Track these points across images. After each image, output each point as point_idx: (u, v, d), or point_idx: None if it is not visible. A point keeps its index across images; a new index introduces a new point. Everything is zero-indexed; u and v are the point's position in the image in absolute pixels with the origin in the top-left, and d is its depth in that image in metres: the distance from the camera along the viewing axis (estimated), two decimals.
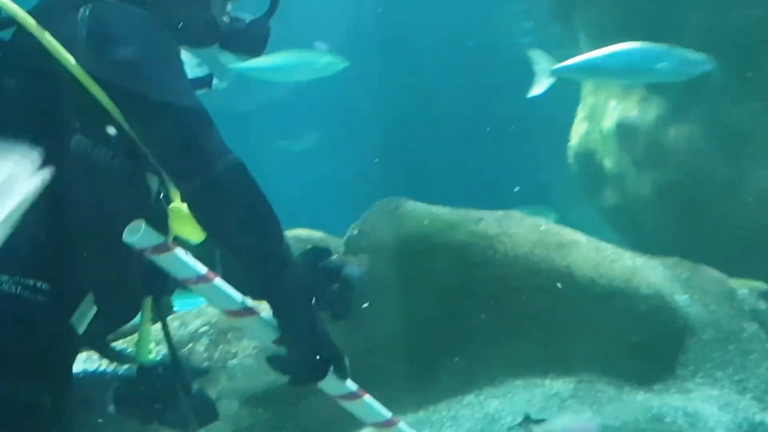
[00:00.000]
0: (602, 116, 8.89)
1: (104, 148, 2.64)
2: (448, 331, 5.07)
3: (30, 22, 2.62)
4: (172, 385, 2.94)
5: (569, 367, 4.97)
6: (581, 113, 9.24)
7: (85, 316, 2.71)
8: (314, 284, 2.87)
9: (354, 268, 3.04)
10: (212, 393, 4.97)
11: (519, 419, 4.73)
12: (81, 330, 2.71)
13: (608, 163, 8.65)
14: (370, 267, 5.13)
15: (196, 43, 3.10)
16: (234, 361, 5.12)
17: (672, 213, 8.01)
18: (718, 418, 4.75)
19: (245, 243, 2.70)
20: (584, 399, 4.83)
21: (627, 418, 4.67)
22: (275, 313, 2.74)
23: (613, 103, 9.02)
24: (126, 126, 2.63)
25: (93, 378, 4.40)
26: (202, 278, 2.72)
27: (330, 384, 2.88)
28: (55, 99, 2.64)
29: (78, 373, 3.32)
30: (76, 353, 2.90)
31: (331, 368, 2.82)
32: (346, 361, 2.89)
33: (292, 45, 9.40)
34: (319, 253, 3.04)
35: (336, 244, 5.47)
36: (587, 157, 8.94)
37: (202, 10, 3.00)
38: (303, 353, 2.74)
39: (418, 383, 5.01)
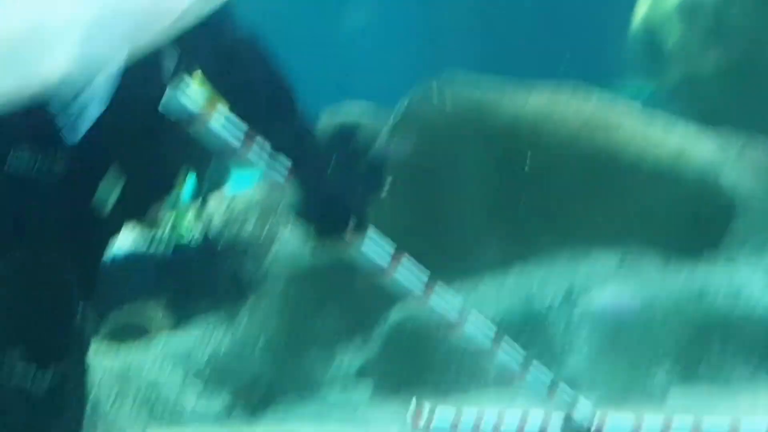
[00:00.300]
0: None
1: None
2: (495, 206, 5.12)
3: None
4: (205, 264, 3.02)
5: (615, 242, 5.01)
6: None
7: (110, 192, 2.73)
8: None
9: (387, 149, 3.12)
10: (259, 271, 5.21)
11: (562, 292, 4.83)
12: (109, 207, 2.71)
13: (672, 39, 8.58)
14: (415, 145, 5.23)
15: None
16: (282, 235, 5.26)
17: (735, 90, 7.96)
18: (763, 290, 4.79)
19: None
20: (629, 272, 4.91)
21: (668, 293, 4.75)
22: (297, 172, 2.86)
23: None
24: None
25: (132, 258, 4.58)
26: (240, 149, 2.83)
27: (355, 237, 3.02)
28: None
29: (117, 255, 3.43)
30: (109, 232, 2.94)
31: (353, 221, 2.96)
32: (368, 215, 3.07)
33: None
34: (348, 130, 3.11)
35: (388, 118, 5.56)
36: (650, 31, 8.86)
37: None
38: (323, 205, 2.87)
39: (464, 255, 5.08)
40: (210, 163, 3.05)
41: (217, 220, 5.33)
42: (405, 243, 5.01)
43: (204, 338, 4.92)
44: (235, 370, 4.88)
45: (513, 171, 5.15)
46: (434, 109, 5.30)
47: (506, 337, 3.67)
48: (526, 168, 5.14)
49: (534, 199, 5.13)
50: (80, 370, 2.73)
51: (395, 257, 3.29)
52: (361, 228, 3.04)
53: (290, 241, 5.16)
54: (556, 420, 3.70)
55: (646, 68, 9.14)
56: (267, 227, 5.37)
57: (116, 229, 2.91)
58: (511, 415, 3.85)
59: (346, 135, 3.06)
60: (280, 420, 4.69)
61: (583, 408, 3.64)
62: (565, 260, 5.01)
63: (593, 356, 4.61)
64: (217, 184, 5.37)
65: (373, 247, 3.18)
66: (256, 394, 4.85)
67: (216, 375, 4.81)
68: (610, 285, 4.85)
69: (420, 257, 5.00)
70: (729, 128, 5.78)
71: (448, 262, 5.01)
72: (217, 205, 5.62)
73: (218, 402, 4.72)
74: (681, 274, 4.86)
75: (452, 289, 4.87)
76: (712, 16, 8.35)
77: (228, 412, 4.71)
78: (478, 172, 5.17)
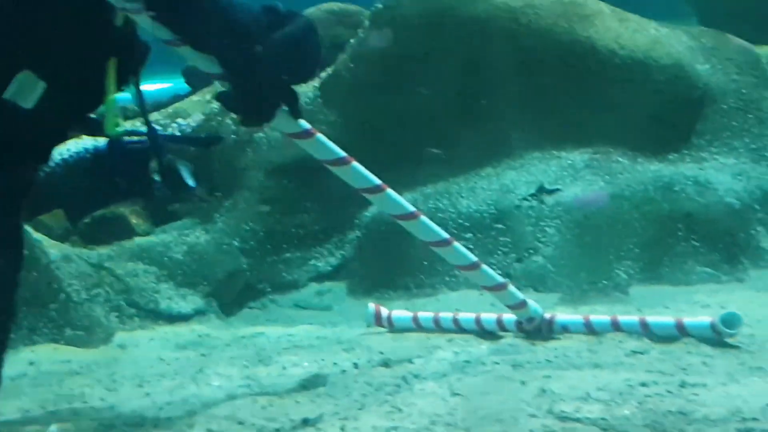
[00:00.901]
0: None
1: None
2: (469, 104, 5.14)
3: None
4: (141, 157, 2.97)
5: (586, 139, 5.05)
6: None
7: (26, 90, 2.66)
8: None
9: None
10: (239, 164, 5.24)
11: (533, 190, 4.87)
12: (28, 105, 2.64)
13: None
14: (389, 38, 5.24)
15: None
16: (260, 134, 5.27)
17: None
18: (729, 185, 4.85)
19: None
20: (598, 169, 4.93)
21: (637, 188, 4.79)
22: (214, 51, 2.78)
23: None
24: None
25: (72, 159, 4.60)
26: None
27: (284, 123, 3.01)
28: None
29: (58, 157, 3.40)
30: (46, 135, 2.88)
31: (284, 108, 2.91)
32: (299, 102, 2.96)
33: None
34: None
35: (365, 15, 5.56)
36: None
37: None
38: (246, 91, 2.79)
39: (437, 157, 5.13)
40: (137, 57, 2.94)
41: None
42: (377, 139, 5.14)
43: (179, 237, 4.97)
44: (211, 267, 4.87)
45: (487, 65, 5.14)
46: (409, 5, 5.28)
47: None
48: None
49: (507, 94, 5.12)
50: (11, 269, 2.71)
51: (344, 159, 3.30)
52: (294, 115, 3.00)
53: (263, 141, 5.24)
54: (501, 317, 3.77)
55: None
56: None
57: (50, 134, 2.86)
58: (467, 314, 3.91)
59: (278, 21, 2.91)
60: (255, 319, 4.75)
61: (533, 307, 3.69)
62: (536, 158, 5.04)
63: (559, 251, 4.65)
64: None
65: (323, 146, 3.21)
66: (231, 293, 4.87)
67: (191, 271, 4.81)
68: (579, 181, 4.89)
69: (391, 153, 5.14)
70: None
71: (423, 165, 5.14)
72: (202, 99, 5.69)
73: (192, 301, 4.70)
74: (648, 171, 4.90)
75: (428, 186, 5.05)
76: None
77: (203, 311, 4.70)
78: (452, 67, 5.17)
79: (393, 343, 3.74)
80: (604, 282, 4.53)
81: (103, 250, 4.84)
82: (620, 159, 4.99)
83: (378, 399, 2.86)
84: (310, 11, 5.97)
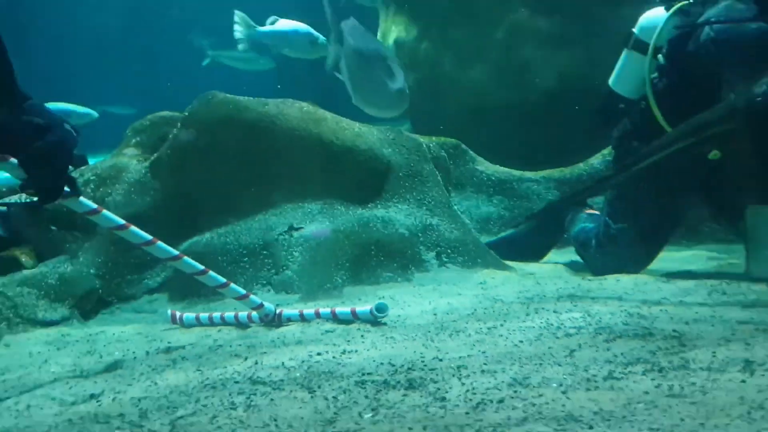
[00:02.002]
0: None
1: None
2: (245, 177, 5.10)
3: None
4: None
5: (319, 196, 5.06)
6: None
7: None
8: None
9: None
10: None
11: (286, 228, 4.86)
12: None
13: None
14: (195, 135, 5.13)
15: None
16: (109, 198, 5.11)
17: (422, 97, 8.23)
18: (403, 221, 4.94)
19: None
20: (326, 214, 4.96)
21: (348, 224, 4.85)
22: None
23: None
24: None
25: None
26: None
27: (74, 204, 2.87)
28: None
29: None
30: None
31: (67, 190, 2.74)
32: (78, 184, 2.81)
33: None
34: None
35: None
36: None
37: None
38: (35, 180, 2.60)
39: (227, 209, 5.06)
40: None
41: None
42: (187, 201, 5.03)
43: (54, 268, 4.74)
44: (74, 287, 4.63)
45: (256, 151, 5.10)
46: (204, 113, 5.19)
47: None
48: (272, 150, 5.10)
49: (270, 169, 5.10)
50: None
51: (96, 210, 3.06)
52: (73, 194, 2.83)
53: (109, 203, 5.05)
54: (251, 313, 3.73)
55: None
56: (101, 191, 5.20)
57: None
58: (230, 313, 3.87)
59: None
60: (104, 322, 4.53)
61: (268, 305, 3.67)
62: (289, 208, 5.03)
63: (301, 267, 4.65)
64: None
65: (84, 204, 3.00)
66: (88, 304, 4.66)
67: (60, 292, 4.56)
68: (315, 222, 4.90)
69: (196, 210, 5.03)
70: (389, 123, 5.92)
71: (214, 215, 5.04)
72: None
73: (61, 311, 4.47)
74: (355, 214, 4.95)
75: (221, 228, 4.96)
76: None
77: (68, 318, 4.46)
78: (234, 153, 5.12)
79: (179, 335, 3.65)
80: (328, 285, 4.53)
81: (2, 279, 4.55)
82: (339, 207, 5.04)
83: (148, 377, 2.78)
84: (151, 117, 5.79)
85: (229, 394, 2.30)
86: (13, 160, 2.62)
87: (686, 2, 4.33)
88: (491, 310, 3.54)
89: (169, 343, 3.46)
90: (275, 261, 4.73)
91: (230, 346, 3.22)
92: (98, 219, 3.07)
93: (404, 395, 2.18)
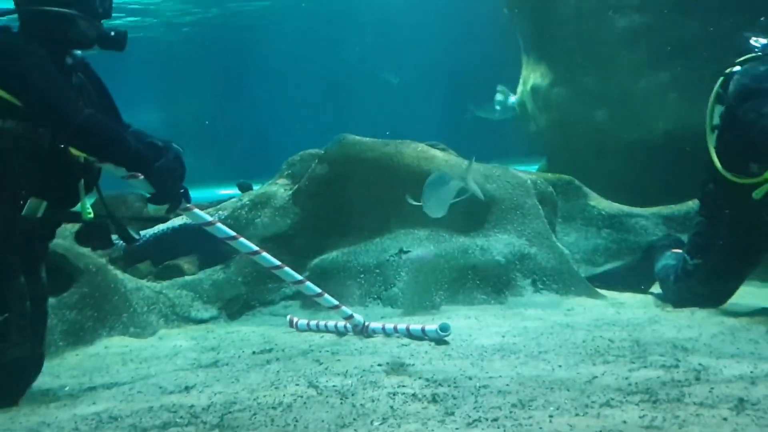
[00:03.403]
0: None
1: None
2: (368, 205, 5.26)
3: None
4: (103, 231, 2.92)
5: (427, 224, 5.06)
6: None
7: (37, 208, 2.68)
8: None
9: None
10: (245, 232, 5.27)
11: (396, 251, 4.97)
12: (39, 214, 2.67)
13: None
14: (328, 169, 5.36)
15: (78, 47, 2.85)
16: (258, 220, 5.43)
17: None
18: (501, 249, 4.90)
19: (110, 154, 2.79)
20: (432, 240, 5.02)
21: (449, 250, 4.89)
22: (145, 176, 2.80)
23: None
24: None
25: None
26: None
27: (191, 214, 3.11)
28: None
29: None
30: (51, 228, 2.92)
31: (183, 200, 2.98)
32: (189, 196, 3.02)
33: None
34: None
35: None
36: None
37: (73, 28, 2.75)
38: (161, 192, 2.84)
39: (352, 232, 5.22)
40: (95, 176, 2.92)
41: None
42: (321, 222, 5.26)
43: (209, 275, 5.09)
44: (223, 292, 4.94)
45: (377, 183, 5.23)
46: (336, 151, 5.39)
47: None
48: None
49: (387, 198, 5.18)
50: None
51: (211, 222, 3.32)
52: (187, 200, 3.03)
53: (258, 224, 5.38)
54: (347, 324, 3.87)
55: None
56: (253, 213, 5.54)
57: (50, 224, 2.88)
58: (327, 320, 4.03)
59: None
60: (245, 322, 4.78)
61: (357, 317, 3.78)
62: (402, 233, 5.12)
63: (406, 285, 4.74)
64: None
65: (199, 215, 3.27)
66: (235, 306, 4.94)
67: (212, 295, 4.90)
68: (421, 246, 4.97)
69: (329, 229, 5.26)
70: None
71: (339, 237, 5.23)
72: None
73: (211, 311, 4.81)
74: (457, 241, 4.97)
75: (344, 248, 5.14)
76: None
77: (216, 317, 4.78)
78: (359, 184, 5.29)
79: (288, 337, 3.85)
80: (427, 303, 4.60)
81: (165, 283, 4.97)
82: (444, 234, 5.06)
83: (235, 374, 2.97)
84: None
85: (283, 396, 2.45)
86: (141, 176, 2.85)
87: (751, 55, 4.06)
88: (556, 335, 3.48)
89: (275, 345, 3.66)
90: (385, 278, 4.87)
91: (319, 351, 3.38)
92: (213, 230, 3.30)
93: (424, 407, 2.24)
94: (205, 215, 3.31)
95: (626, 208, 6.42)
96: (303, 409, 2.26)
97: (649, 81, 7.94)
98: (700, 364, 2.59)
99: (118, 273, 4.64)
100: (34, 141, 2.61)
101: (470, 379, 2.55)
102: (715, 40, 7.30)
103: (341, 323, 3.91)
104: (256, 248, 3.53)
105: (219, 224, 3.33)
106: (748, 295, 4.61)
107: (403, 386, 2.50)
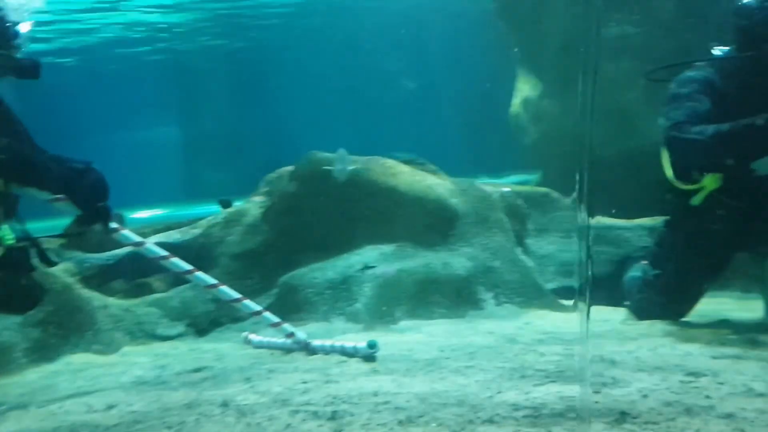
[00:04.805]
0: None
1: None
2: (336, 221, 5.34)
3: None
4: (24, 257, 3.02)
5: (394, 239, 5.17)
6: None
7: None
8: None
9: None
10: (216, 250, 5.43)
11: (361, 266, 5.01)
12: None
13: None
14: (296, 186, 5.43)
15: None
16: (229, 237, 5.51)
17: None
18: (462, 263, 4.93)
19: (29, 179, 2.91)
20: (398, 256, 5.06)
21: (412, 266, 4.93)
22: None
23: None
24: None
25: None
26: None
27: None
28: None
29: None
30: None
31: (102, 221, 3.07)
32: (110, 213, 3.11)
33: None
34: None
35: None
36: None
37: None
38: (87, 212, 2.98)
39: (320, 248, 5.28)
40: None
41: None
42: (290, 238, 5.33)
43: (178, 293, 5.15)
44: (191, 309, 4.99)
45: (348, 201, 5.30)
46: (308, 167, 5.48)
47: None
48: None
49: (356, 218, 5.29)
50: None
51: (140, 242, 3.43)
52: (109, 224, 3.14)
53: (229, 241, 5.46)
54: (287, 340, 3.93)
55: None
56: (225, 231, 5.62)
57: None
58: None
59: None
60: (212, 339, 4.81)
61: (300, 334, 3.83)
62: (369, 249, 5.17)
63: (368, 301, 4.78)
64: None
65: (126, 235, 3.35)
66: (203, 323, 4.98)
67: (180, 312, 4.95)
68: (386, 261, 5.01)
69: (296, 245, 5.31)
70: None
71: (311, 253, 5.29)
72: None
73: (178, 328, 4.88)
74: (421, 256, 5.00)
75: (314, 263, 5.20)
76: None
77: (183, 334, 4.84)
78: (325, 202, 5.35)
79: (238, 355, 3.90)
80: (387, 318, 4.63)
81: (135, 300, 5.04)
82: (409, 249, 5.10)
83: (160, 391, 3.01)
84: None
85: (189, 415, 2.52)
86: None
87: None
88: (493, 350, 3.51)
89: (221, 362, 3.72)
90: (350, 294, 4.90)
91: (257, 369, 3.42)
92: (144, 251, 3.36)
93: (319, 425, 2.29)
94: (135, 236, 3.39)
95: (608, 221, 6.42)
96: (195, 427, 2.32)
97: (638, 93, 7.95)
98: (612, 378, 2.61)
99: (86, 291, 4.75)
100: None
101: (376, 395, 2.60)
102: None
103: (287, 341, 3.96)
104: (190, 267, 3.61)
105: (149, 244, 3.41)
106: (722, 306, 4.58)
107: (310, 404, 2.55)
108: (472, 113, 12.92)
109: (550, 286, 5.44)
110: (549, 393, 2.45)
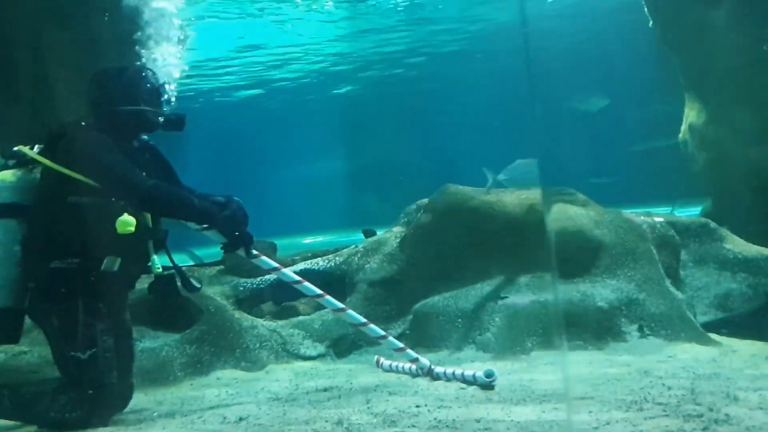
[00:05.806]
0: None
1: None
2: (470, 250, 5.39)
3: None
4: (171, 283, 3.30)
5: (529, 270, 5.13)
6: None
7: (113, 264, 3.14)
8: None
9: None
10: (354, 279, 5.68)
11: (494, 296, 5.05)
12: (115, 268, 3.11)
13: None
14: (431, 218, 5.58)
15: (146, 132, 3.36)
16: (368, 265, 5.75)
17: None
18: (604, 295, 4.84)
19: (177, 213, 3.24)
20: (532, 287, 5.03)
21: (548, 297, 4.87)
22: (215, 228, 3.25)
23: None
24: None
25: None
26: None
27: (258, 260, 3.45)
28: None
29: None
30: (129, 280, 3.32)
31: (243, 247, 3.32)
32: (253, 242, 3.35)
33: None
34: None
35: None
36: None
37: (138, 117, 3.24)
38: (230, 239, 3.25)
39: (454, 278, 5.35)
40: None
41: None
42: (425, 267, 5.46)
43: (318, 316, 5.42)
44: (332, 332, 5.22)
45: (479, 230, 5.37)
46: (439, 201, 5.61)
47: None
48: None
49: (489, 244, 5.33)
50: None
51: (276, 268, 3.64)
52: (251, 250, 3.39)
53: (367, 269, 5.69)
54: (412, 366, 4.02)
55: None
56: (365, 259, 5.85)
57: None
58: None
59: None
60: (349, 360, 5.03)
61: (422, 360, 3.92)
62: (503, 279, 5.17)
63: (499, 330, 4.80)
64: None
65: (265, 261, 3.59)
66: (343, 345, 5.20)
67: (322, 334, 5.20)
68: (520, 292, 5.00)
69: (431, 274, 5.44)
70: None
71: (443, 282, 5.38)
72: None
73: (319, 349, 5.12)
74: (558, 288, 4.94)
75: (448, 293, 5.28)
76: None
77: (324, 354, 5.07)
78: (461, 232, 5.46)
79: (367, 376, 4.07)
80: (518, 348, 4.63)
81: (281, 322, 5.38)
82: (546, 280, 5.04)
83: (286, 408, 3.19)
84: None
85: (313, 429, 2.70)
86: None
87: None
88: (621, 382, 3.42)
89: (350, 383, 3.90)
90: (481, 323, 4.94)
91: (380, 391, 3.56)
92: (279, 275, 3.64)
93: None
94: (272, 262, 3.68)
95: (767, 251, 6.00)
96: None
97: None
98: (726, 415, 2.51)
99: (236, 313, 5.16)
100: (108, 211, 3.08)
101: (478, 422, 2.65)
102: None
103: (414, 366, 4.07)
104: (319, 291, 3.84)
105: (284, 270, 3.68)
106: None
107: (414, 426, 2.66)
108: (645, 140, 12.39)
109: (702, 319, 5.20)
110: (657, 427, 2.39)
